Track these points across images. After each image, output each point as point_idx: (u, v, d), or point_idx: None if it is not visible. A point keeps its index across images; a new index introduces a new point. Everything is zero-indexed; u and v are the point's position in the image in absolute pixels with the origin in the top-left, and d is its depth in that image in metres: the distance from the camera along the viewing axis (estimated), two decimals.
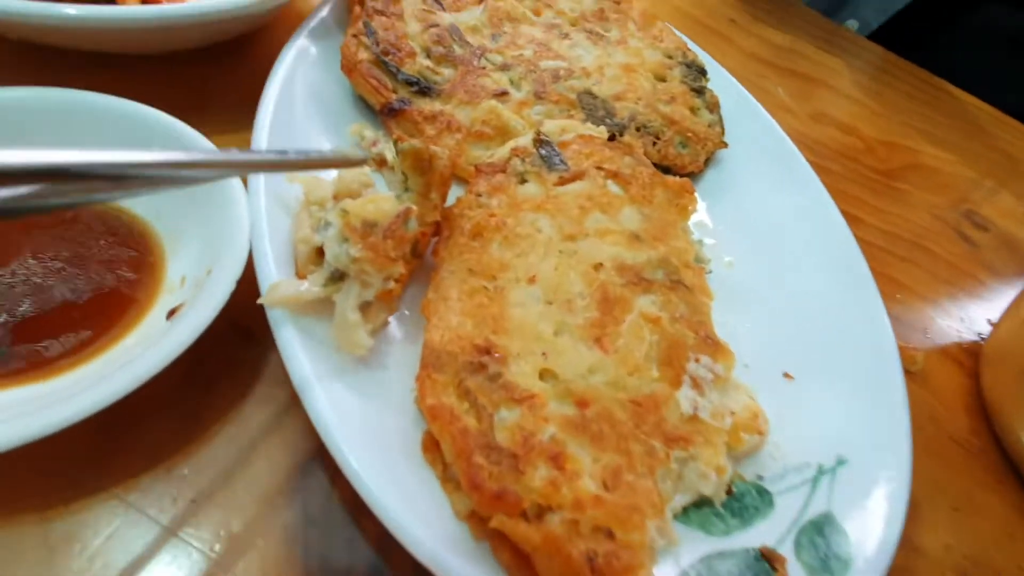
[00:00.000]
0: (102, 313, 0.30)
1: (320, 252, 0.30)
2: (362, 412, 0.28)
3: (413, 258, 0.32)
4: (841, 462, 0.33)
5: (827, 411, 0.36)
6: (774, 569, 0.28)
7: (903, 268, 0.53)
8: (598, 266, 0.35)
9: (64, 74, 0.36)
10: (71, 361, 0.28)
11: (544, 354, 0.30)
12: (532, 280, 0.33)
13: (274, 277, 0.29)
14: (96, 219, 0.33)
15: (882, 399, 0.36)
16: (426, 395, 0.27)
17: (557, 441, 0.27)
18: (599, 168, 0.39)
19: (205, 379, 0.31)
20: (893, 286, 0.51)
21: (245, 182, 0.32)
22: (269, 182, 0.32)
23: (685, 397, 0.31)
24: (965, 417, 0.43)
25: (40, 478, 0.26)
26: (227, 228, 0.31)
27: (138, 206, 0.34)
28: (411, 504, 0.25)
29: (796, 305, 0.41)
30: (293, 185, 0.33)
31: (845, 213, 0.55)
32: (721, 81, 0.55)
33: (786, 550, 0.29)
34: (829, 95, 0.71)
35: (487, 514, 0.24)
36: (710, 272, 0.42)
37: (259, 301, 0.28)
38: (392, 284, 0.29)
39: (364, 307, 0.29)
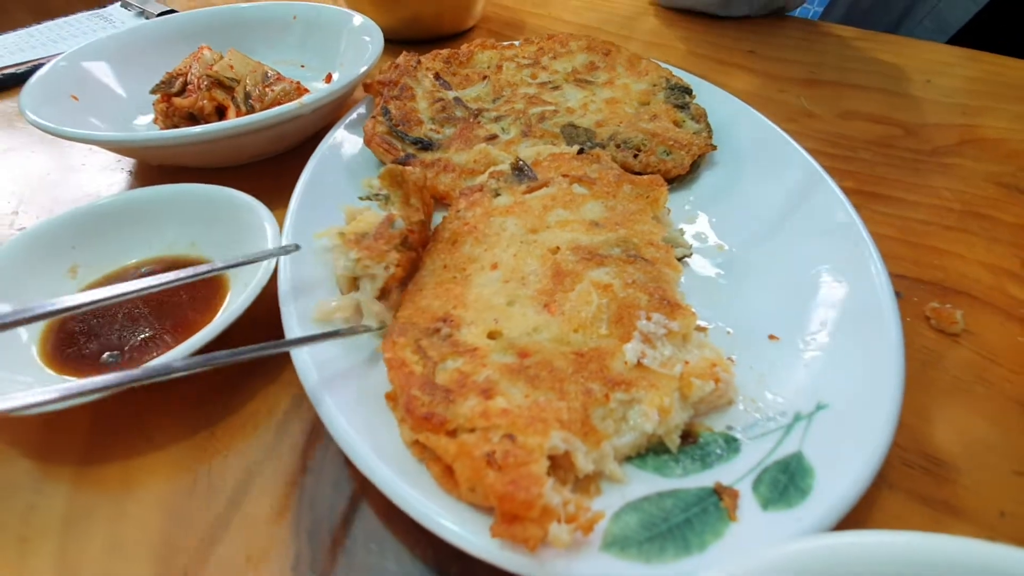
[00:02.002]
0: (183, 327, 0.41)
1: (353, 281, 0.39)
2: (350, 384, 0.34)
3: (406, 249, 0.37)
4: (821, 407, 0.32)
5: (812, 367, 0.35)
6: (721, 500, 0.28)
7: (952, 236, 0.49)
8: (555, 249, 0.39)
9: (193, 181, 0.52)
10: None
11: (496, 320, 0.34)
12: (495, 267, 0.38)
13: (288, 287, 0.38)
14: (183, 268, 0.46)
15: (871, 349, 0.34)
16: (387, 351, 0.33)
17: (491, 380, 0.30)
18: (565, 176, 0.44)
19: (245, 371, 0.39)
20: (936, 254, 0.47)
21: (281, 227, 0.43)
22: (300, 213, 0.43)
23: (632, 349, 0.33)
24: None
25: (125, 438, 0.36)
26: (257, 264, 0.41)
27: (215, 256, 0.46)
28: (373, 437, 0.30)
29: (786, 277, 0.41)
30: (324, 216, 0.43)
31: (876, 194, 0.53)
32: (714, 98, 0.58)
33: (743, 486, 0.29)
34: (857, 94, 0.69)
35: (418, 433, 0.28)
36: (690, 255, 0.44)
37: (312, 319, 0.36)
38: (393, 269, 0.36)
39: (382, 294, 0.36)
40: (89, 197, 0.58)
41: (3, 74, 0.79)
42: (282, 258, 0.40)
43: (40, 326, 0.41)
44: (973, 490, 0.32)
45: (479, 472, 0.25)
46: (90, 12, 0.98)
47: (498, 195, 0.44)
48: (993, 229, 0.49)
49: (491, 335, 0.34)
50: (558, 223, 0.41)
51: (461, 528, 0.25)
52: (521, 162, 0.46)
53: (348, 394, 0.32)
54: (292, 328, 0.35)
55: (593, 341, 0.33)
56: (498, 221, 0.41)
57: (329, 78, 0.71)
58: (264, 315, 0.39)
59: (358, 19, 0.67)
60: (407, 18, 0.80)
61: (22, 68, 0.80)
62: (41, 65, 0.79)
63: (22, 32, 0.92)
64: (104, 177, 0.61)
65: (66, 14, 1.75)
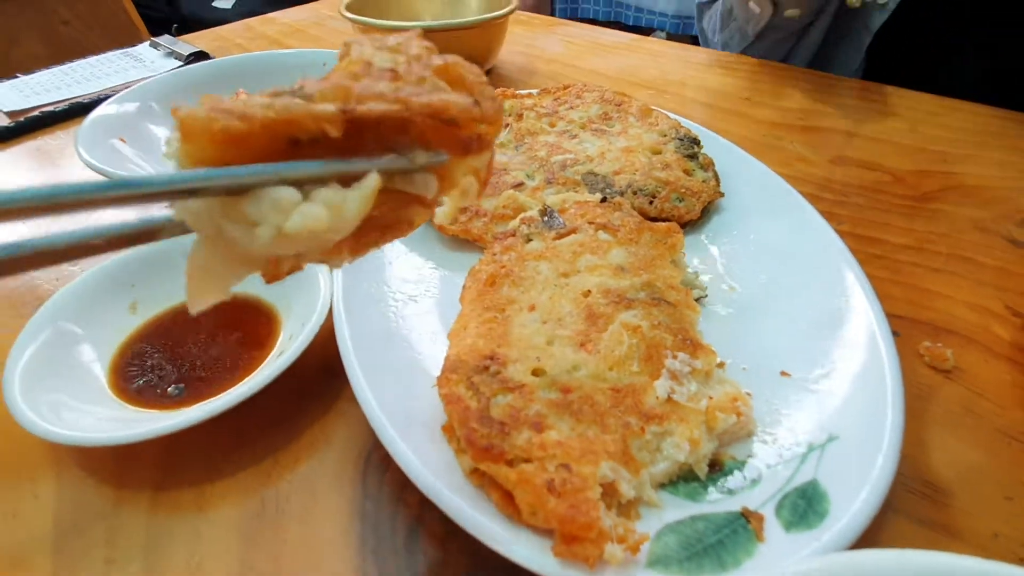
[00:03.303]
0: (240, 362, 0.44)
1: None
2: (403, 411, 0.37)
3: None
4: (832, 438, 0.36)
5: (822, 401, 0.38)
6: (749, 523, 0.31)
7: (939, 278, 0.53)
8: (587, 293, 0.43)
9: None
10: (219, 392, 0.42)
11: (538, 358, 0.38)
12: (532, 308, 0.42)
13: (346, 328, 0.42)
14: (236, 305, 0.49)
15: (874, 385, 0.38)
16: (442, 387, 0.36)
17: (540, 415, 0.34)
18: (591, 223, 0.49)
19: (302, 401, 0.43)
20: (925, 295, 0.52)
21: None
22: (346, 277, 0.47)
23: (662, 386, 0.37)
24: (1020, 412, 0.42)
25: (196, 467, 0.39)
26: (316, 295, 0.45)
27: (265, 293, 0.49)
28: (436, 470, 0.33)
29: (793, 316, 0.45)
30: (368, 257, 0.47)
31: (868, 237, 0.58)
32: (719, 148, 0.63)
33: (767, 511, 0.32)
34: (848, 141, 0.75)
35: (479, 463, 0.32)
36: (705, 296, 0.48)
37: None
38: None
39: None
40: None
41: (43, 112, 0.82)
42: (337, 303, 0.43)
43: (108, 361, 0.44)
44: (968, 514, 0.36)
45: (540, 498, 0.29)
46: (121, 51, 1.02)
47: (530, 240, 0.48)
48: (977, 272, 0.54)
49: (535, 372, 0.37)
50: (587, 268, 0.45)
51: (528, 550, 0.28)
52: (549, 209, 0.51)
53: (410, 428, 0.36)
54: (355, 373, 0.38)
55: (627, 378, 0.37)
56: (532, 265, 0.45)
57: None
58: (318, 344, 0.42)
59: None
60: None
61: (61, 106, 0.84)
62: (79, 103, 0.84)
63: (56, 70, 0.96)
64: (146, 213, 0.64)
65: (80, 45, 1.79)
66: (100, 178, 0.66)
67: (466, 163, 0.27)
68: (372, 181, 0.23)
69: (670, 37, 2.60)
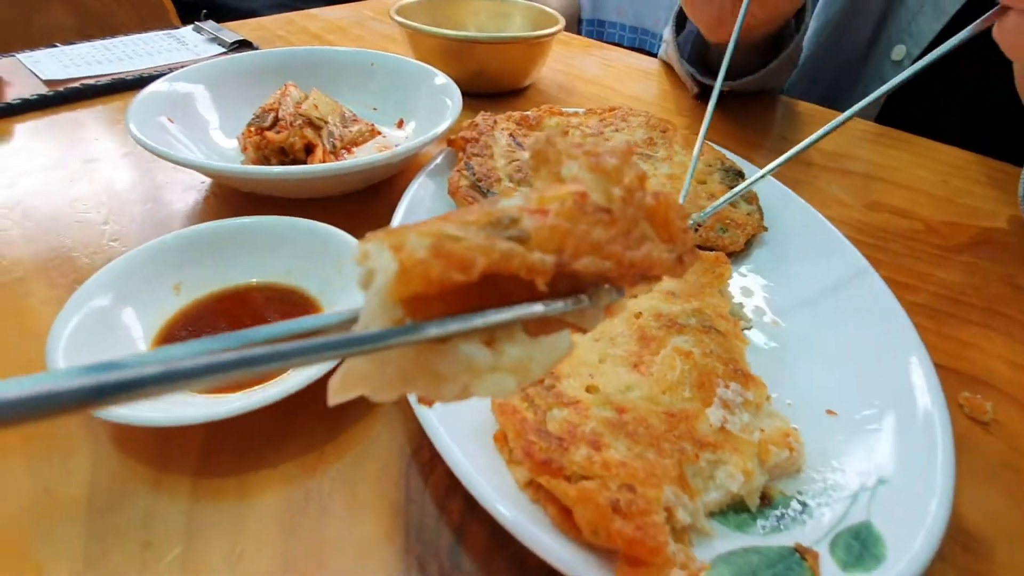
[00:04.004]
0: None
1: None
2: (455, 419, 0.37)
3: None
4: (882, 482, 0.36)
5: (869, 444, 0.38)
6: (805, 560, 0.31)
7: (974, 331, 0.54)
8: (638, 315, 0.43)
9: (275, 209, 0.56)
10: (261, 383, 0.42)
11: (590, 375, 0.38)
12: None
13: None
14: (282, 295, 0.49)
15: (924, 432, 0.38)
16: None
17: (596, 433, 0.34)
18: None
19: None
20: (962, 346, 0.52)
21: None
22: None
23: (714, 414, 0.37)
24: None
25: (238, 454, 0.38)
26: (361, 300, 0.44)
27: (311, 287, 0.49)
28: (487, 478, 0.33)
29: (838, 355, 0.45)
30: None
31: (906, 284, 0.59)
32: (763, 181, 0.64)
33: (821, 548, 0.32)
34: (884, 187, 0.76)
35: (537, 476, 0.31)
36: (750, 327, 0.48)
37: None
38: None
39: None
40: (176, 214, 0.61)
41: (83, 85, 0.82)
42: None
43: (151, 340, 0.44)
44: (1008, 567, 0.36)
45: (605, 517, 0.28)
46: (164, 32, 1.03)
47: None
48: (1010, 327, 0.55)
49: (588, 389, 0.37)
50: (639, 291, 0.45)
51: (594, 571, 0.28)
52: None
53: (462, 436, 0.35)
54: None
55: (679, 403, 0.37)
56: None
57: (401, 124, 0.76)
58: None
59: (441, 79, 0.72)
60: (472, 71, 0.86)
61: (103, 80, 0.84)
62: (122, 79, 0.84)
63: (97, 44, 0.97)
64: (188, 195, 0.64)
65: (108, 20, 1.79)
66: (133, 152, 0.66)
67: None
68: (565, 345, 0.22)
69: None
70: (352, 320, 0.20)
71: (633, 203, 0.24)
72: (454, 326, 0.20)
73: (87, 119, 0.79)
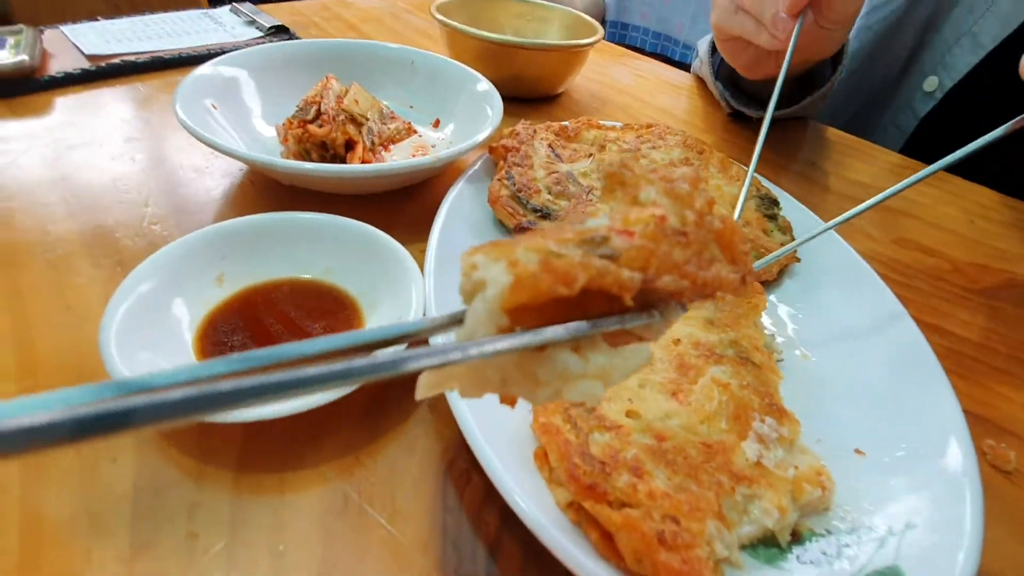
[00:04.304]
0: None
1: None
2: (496, 432, 0.38)
3: None
4: (910, 527, 0.36)
5: (897, 485, 0.39)
6: None
7: (999, 377, 0.54)
8: (677, 341, 0.44)
9: (310, 201, 0.56)
10: None
11: (630, 400, 0.39)
12: None
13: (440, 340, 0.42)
14: (321, 293, 0.49)
15: (952, 479, 0.38)
16: (539, 416, 0.37)
17: (638, 459, 0.34)
18: None
19: (382, 404, 0.43)
20: (987, 392, 0.53)
21: (421, 267, 0.47)
22: (438, 270, 0.47)
23: (750, 447, 0.37)
24: None
25: (279, 452, 0.39)
26: (407, 301, 0.45)
27: (351, 287, 0.50)
28: (527, 496, 0.34)
29: (867, 394, 0.46)
30: (457, 270, 0.47)
31: (933, 325, 0.59)
32: (796, 211, 0.65)
33: None
34: (912, 223, 0.77)
35: (581, 500, 0.32)
36: (781, 360, 0.49)
37: None
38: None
39: None
40: (214, 200, 0.62)
41: (124, 61, 0.83)
42: (431, 307, 0.44)
43: (195, 330, 0.44)
44: None
45: (650, 547, 0.29)
46: (201, 12, 1.03)
47: None
48: None
49: (629, 414, 0.38)
50: None
51: None
52: None
53: (501, 449, 0.36)
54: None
55: (716, 434, 0.38)
56: None
57: (437, 123, 0.76)
58: None
59: (483, 84, 0.72)
60: (509, 75, 0.86)
61: (143, 58, 0.84)
62: (160, 58, 0.84)
63: (136, 19, 0.97)
64: (226, 181, 0.64)
65: None
66: (171, 134, 0.67)
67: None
68: (645, 356, 0.24)
69: None
70: (441, 326, 0.22)
71: (704, 226, 0.26)
72: (553, 334, 0.21)
73: (126, 96, 0.79)
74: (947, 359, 0.55)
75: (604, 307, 0.24)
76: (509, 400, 0.23)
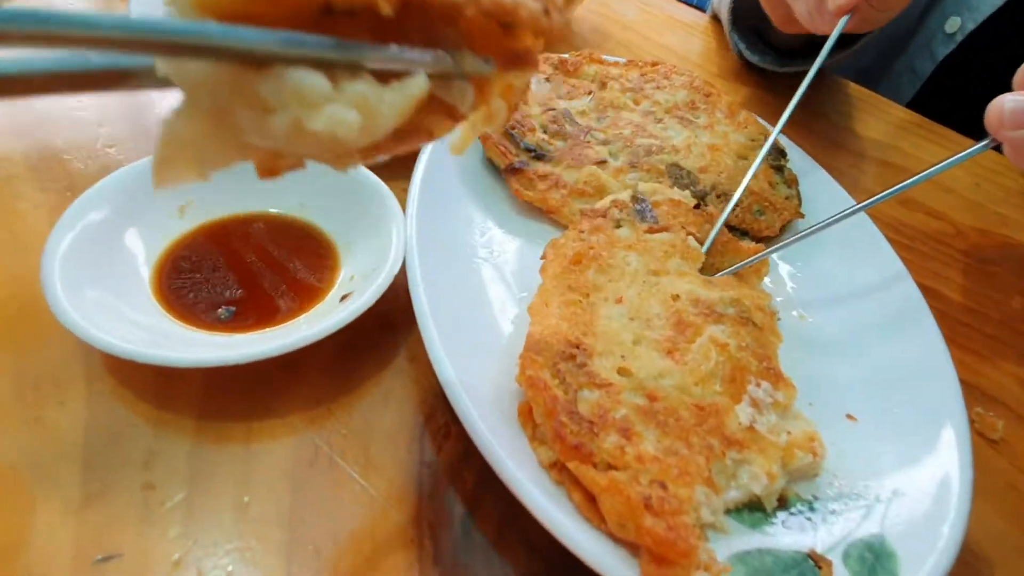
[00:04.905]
0: (295, 294, 0.41)
1: None
2: (477, 385, 0.35)
3: None
4: (897, 495, 0.36)
5: (887, 451, 0.38)
6: (819, 568, 0.31)
7: (990, 345, 0.54)
8: (676, 297, 0.41)
9: None
10: (271, 324, 0.39)
11: (623, 356, 0.37)
12: (619, 300, 0.40)
13: (421, 285, 0.39)
14: (294, 230, 0.46)
15: (942, 445, 0.38)
16: (526, 369, 0.34)
17: (627, 419, 0.33)
18: (683, 227, 0.47)
19: (357, 351, 0.40)
20: (978, 359, 0.52)
21: (403, 207, 0.43)
22: (422, 212, 0.43)
23: (744, 411, 0.36)
24: None
25: (244, 399, 0.36)
26: (387, 243, 0.41)
27: (326, 225, 0.46)
28: (508, 454, 0.32)
29: (863, 358, 0.44)
30: (442, 213, 0.44)
31: (930, 288, 0.57)
32: (805, 164, 0.61)
33: (834, 557, 0.32)
34: (920, 185, 0.74)
35: (566, 460, 0.30)
36: (778, 320, 0.47)
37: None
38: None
39: None
40: None
41: None
42: (411, 257, 0.40)
43: (152, 265, 0.41)
44: None
45: (635, 512, 0.28)
46: None
47: (619, 226, 0.46)
48: (1023, 344, 0.55)
49: (621, 371, 0.36)
50: (677, 271, 0.43)
51: (620, 565, 0.28)
52: (640, 196, 0.48)
53: (482, 404, 0.34)
54: (432, 339, 0.36)
55: (710, 396, 0.36)
56: (621, 254, 0.43)
57: None
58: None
59: None
60: None
61: None
62: None
63: None
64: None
65: None
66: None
67: (505, 79, 0.24)
68: (419, 85, 0.19)
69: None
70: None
71: None
72: (276, 40, 0.16)
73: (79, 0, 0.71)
74: (941, 324, 0.54)
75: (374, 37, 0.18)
76: (263, 170, 0.19)
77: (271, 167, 0.20)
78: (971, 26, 0.86)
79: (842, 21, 0.55)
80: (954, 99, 0.89)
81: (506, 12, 0.21)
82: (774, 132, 0.53)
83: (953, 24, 0.89)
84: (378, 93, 0.18)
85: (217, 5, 0.16)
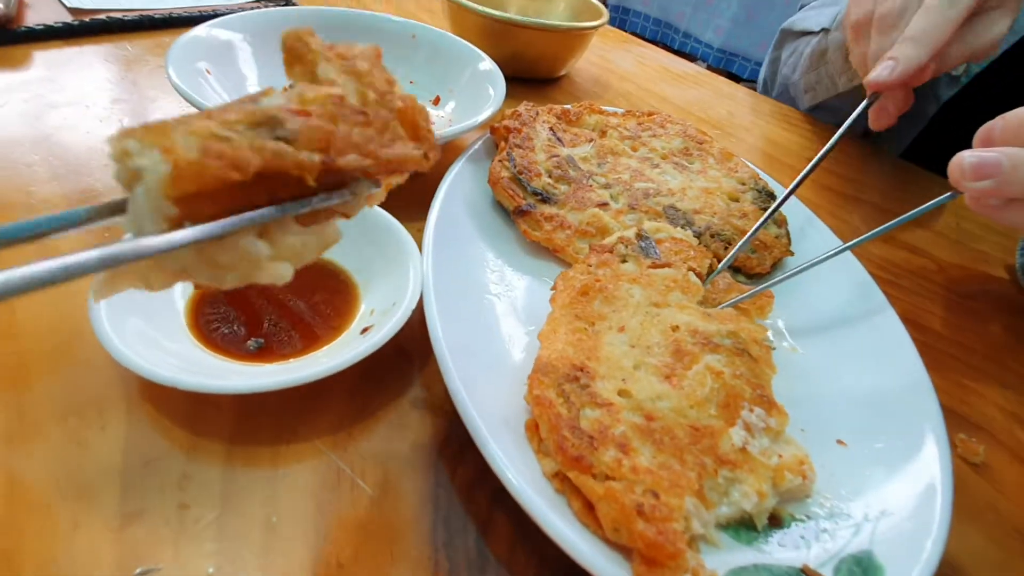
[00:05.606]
0: (319, 327, 0.44)
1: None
2: (488, 407, 0.38)
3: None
4: (885, 514, 0.38)
5: (875, 476, 0.41)
6: None
7: (972, 375, 0.56)
8: (675, 327, 0.44)
9: None
10: (296, 354, 0.42)
11: (624, 379, 0.39)
12: (622, 329, 0.43)
13: (437, 318, 0.42)
14: (318, 269, 0.49)
15: (926, 474, 0.40)
16: (534, 389, 0.37)
17: (626, 436, 0.35)
18: (684, 263, 0.50)
19: (377, 381, 0.43)
20: (961, 389, 0.54)
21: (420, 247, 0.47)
22: (437, 251, 0.47)
23: (737, 434, 0.38)
24: None
25: (272, 425, 0.39)
26: (405, 279, 0.45)
27: (347, 263, 0.49)
28: (515, 467, 0.34)
29: (853, 387, 0.47)
30: (456, 252, 0.47)
31: (915, 321, 0.61)
32: (792, 206, 0.65)
33: (826, 571, 0.34)
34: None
35: (567, 471, 0.33)
36: (772, 351, 0.50)
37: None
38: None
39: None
40: None
41: (109, 18, 0.80)
42: (428, 292, 0.43)
43: (188, 299, 0.44)
44: None
45: (628, 518, 0.30)
46: None
47: (625, 261, 0.49)
48: (1004, 375, 0.57)
49: (621, 393, 0.39)
50: (677, 304, 0.46)
51: (613, 567, 0.30)
52: (645, 233, 0.52)
53: (495, 426, 0.36)
54: (448, 367, 0.38)
55: (705, 419, 0.39)
56: (625, 286, 0.47)
57: (437, 100, 0.75)
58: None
59: (487, 64, 0.71)
60: (510, 54, 0.85)
61: (130, 16, 0.81)
62: (149, 17, 0.81)
63: None
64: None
65: None
66: (163, 94, 0.65)
67: (387, 181, 0.31)
68: (334, 235, 0.26)
69: (710, 69, 2.63)
70: (100, 215, 0.22)
71: (385, 105, 0.27)
72: (231, 224, 0.21)
73: (112, 55, 0.76)
74: (926, 355, 0.57)
75: (293, 190, 0.24)
76: (202, 287, 0.24)
77: (207, 290, 0.26)
78: (976, 69, 0.91)
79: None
80: (956, 138, 0.94)
81: (399, 166, 0.27)
82: (787, 191, 0.57)
83: (960, 67, 0.93)
84: (304, 241, 0.25)
85: (182, 190, 0.20)
